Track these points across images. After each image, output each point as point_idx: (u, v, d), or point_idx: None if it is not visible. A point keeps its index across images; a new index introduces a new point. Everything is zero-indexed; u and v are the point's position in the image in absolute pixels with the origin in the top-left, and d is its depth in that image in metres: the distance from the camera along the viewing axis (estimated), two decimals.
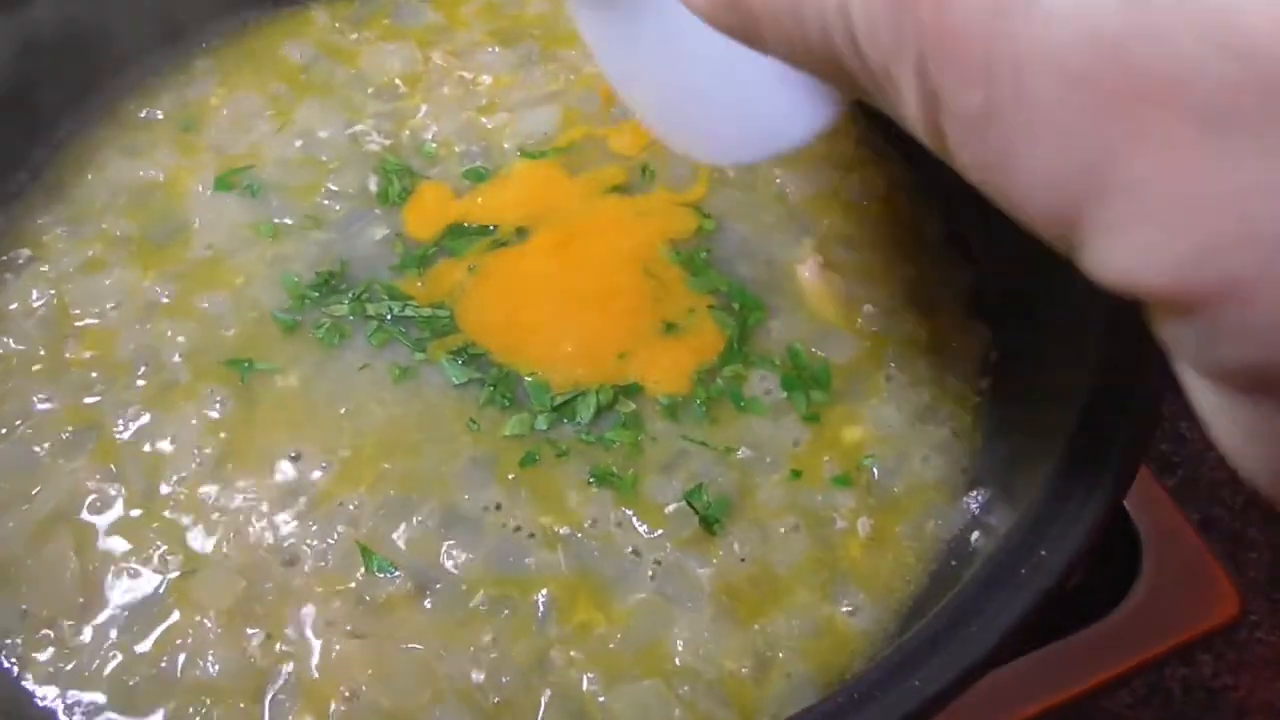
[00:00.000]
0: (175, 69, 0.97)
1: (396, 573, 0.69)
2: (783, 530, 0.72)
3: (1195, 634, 0.86)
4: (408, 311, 0.80)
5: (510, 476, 0.73)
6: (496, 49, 0.97)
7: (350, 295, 0.81)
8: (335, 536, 0.71)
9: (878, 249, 0.85)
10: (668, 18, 0.52)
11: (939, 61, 0.35)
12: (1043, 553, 0.55)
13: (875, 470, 0.75)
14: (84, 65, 0.92)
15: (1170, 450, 1.22)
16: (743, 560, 0.70)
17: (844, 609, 0.70)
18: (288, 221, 0.86)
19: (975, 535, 0.71)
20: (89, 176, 0.90)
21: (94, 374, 0.78)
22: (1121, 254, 0.33)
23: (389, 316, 0.80)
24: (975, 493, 0.73)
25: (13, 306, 0.82)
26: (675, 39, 0.55)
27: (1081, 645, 0.86)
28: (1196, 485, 1.21)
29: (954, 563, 0.71)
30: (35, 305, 0.82)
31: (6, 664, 0.68)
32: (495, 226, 0.85)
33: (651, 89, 0.53)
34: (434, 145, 0.90)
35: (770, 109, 0.55)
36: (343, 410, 0.76)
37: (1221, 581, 0.89)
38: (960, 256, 0.85)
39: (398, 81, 0.95)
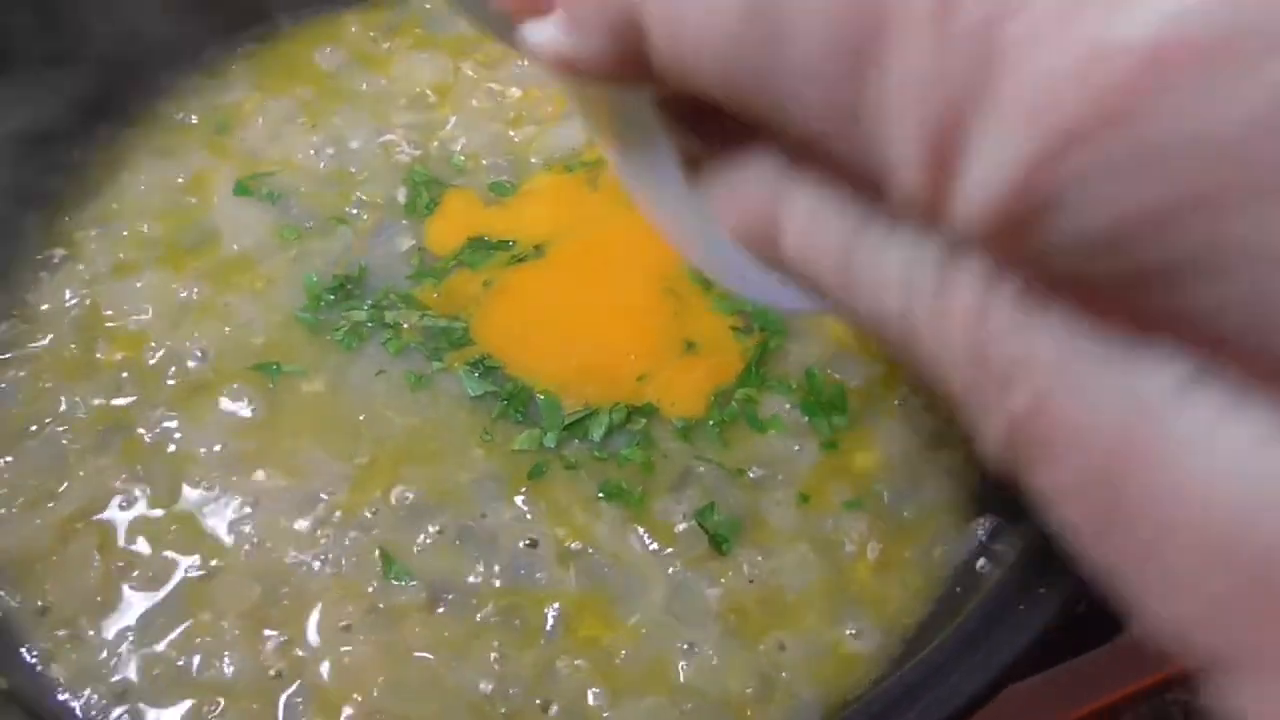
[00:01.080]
0: (210, 73, 0.99)
1: (413, 582, 0.71)
2: (792, 553, 0.72)
3: None
4: (425, 321, 0.81)
5: (523, 490, 0.74)
6: (525, 61, 0.97)
7: (368, 302, 0.82)
8: (349, 541, 0.72)
9: None
10: None
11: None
12: (1042, 590, 0.55)
13: (885, 495, 0.75)
14: (120, 68, 0.94)
15: None
16: (751, 581, 0.71)
17: (850, 632, 0.71)
18: (310, 225, 0.88)
19: (981, 562, 0.71)
20: (122, 177, 0.92)
21: (124, 375, 0.80)
22: None
23: (406, 325, 0.81)
24: (983, 519, 0.74)
25: (46, 306, 0.84)
26: None
27: (1084, 668, 0.86)
28: None
29: (959, 589, 0.72)
30: (69, 305, 0.83)
31: (29, 658, 0.70)
32: (514, 242, 0.86)
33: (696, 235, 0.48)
34: (462, 158, 0.91)
35: None
36: (362, 417, 0.78)
37: None
38: None
39: (428, 92, 0.96)
